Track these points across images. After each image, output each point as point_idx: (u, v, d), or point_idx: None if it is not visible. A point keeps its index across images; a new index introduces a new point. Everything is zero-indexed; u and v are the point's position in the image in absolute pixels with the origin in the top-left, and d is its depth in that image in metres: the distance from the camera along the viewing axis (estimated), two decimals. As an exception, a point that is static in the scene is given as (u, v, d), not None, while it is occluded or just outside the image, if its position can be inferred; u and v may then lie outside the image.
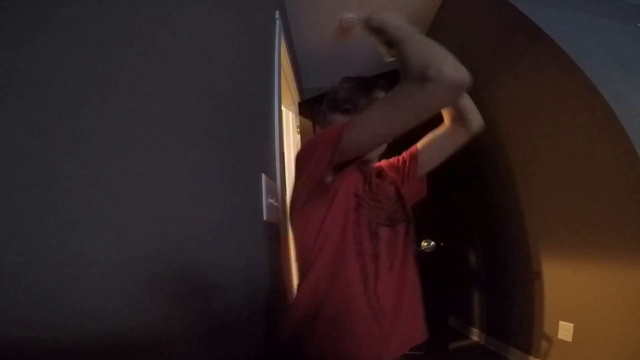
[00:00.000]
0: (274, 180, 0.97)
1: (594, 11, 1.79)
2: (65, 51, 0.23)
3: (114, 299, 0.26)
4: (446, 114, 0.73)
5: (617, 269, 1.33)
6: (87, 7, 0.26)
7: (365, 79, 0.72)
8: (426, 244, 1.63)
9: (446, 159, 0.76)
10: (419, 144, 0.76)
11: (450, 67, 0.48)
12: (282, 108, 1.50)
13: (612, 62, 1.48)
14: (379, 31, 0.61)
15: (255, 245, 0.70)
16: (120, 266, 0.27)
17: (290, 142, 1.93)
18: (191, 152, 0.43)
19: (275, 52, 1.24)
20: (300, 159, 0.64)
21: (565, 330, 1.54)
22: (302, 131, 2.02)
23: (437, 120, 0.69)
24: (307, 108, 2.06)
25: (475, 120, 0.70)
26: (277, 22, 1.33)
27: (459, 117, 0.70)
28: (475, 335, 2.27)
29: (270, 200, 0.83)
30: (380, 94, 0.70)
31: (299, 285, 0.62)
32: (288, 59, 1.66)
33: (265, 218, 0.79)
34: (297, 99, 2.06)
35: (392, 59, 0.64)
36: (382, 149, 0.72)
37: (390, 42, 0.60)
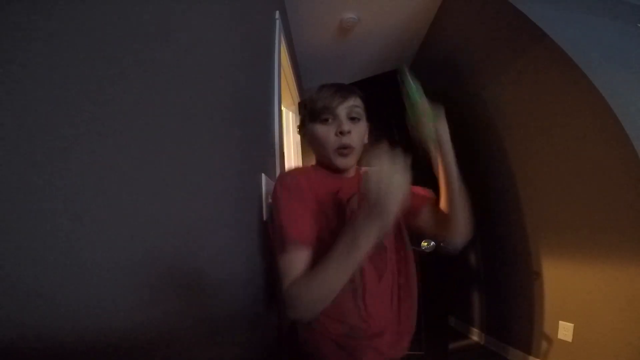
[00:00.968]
0: (274, 180, 0.97)
1: (594, 11, 1.79)
2: (66, 51, 0.23)
3: (113, 299, 0.26)
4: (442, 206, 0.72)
5: (617, 269, 1.33)
6: (88, 7, 0.26)
7: (342, 85, 0.71)
8: (426, 244, 1.63)
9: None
10: (429, 203, 0.75)
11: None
12: (282, 108, 1.50)
13: (612, 62, 1.48)
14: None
15: (254, 245, 0.70)
16: (120, 266, 0.27)
17: (290, 142, 1.93)
18: (191, 152, 0.43)
19: (275, 52, 1.24)
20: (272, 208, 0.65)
21: (565, 330, 1.54)
22: (302, 131, 2.01)
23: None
24: (307, 108, 2.06)
25: (458, 236, 0.70)
26: (277, 22, 1.33)
27: (448, 221, 0.70)
28: (475, 335, 2.27)
29: (270, 200, 0.83)
30: (357, 100, 0.70)
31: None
32: (288, 59, 1.66)
33: (265, 218, 0.79)
34: (297, 99, 2.07)
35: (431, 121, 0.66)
36: (354, 161, 0.71)
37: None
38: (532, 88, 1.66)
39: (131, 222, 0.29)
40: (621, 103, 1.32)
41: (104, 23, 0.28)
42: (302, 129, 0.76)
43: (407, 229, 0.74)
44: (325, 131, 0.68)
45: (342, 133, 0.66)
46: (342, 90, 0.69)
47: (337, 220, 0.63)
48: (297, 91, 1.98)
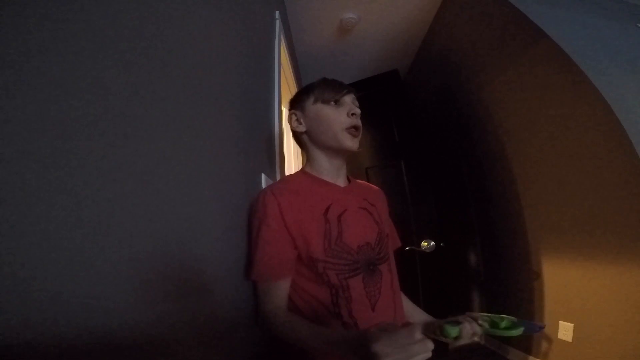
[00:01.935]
0: (274, 180, 0.97)
1: (594, 11, 1.79)
2: (66, 51, 0.23)
3: (113, 299, 0.26)
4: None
5: (618, 269, 1.33)
6: (88, 7, 0.26)
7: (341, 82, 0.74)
8: (426, 244, 1.63)
9: None
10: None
11: None
12: (282, 108, 1.50)
13: (612, 62, 1.49)
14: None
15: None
16: (120, 266, 0.27)
17: (291, 142, 1.93)
18: (190, 152, 0.43)
19: (275, 52, 1.24)
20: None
21: (565, 330, 1.54)
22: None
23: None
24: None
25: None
26: (277, 22, 1.33)
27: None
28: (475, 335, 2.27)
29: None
30: (349, 97, 0.71)
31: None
32: (288, 59, 1.66)
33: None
34: (297, 99, 2.06)
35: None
36: (357, 145, 0.70)
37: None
38: (532, 88, 1.66)
39: (130, 222, 0.29)
40: (621, 103, 1.32)
41: (103, 23, 0.28)
42: (302, 110, 0.72)
43: None
44: (335, 112, 0.68)
45: (354, 114, 0.68)
46: (347, 85, 0.73)
47: (322, 238, 0.61)
48: (297, 91, 1.98)
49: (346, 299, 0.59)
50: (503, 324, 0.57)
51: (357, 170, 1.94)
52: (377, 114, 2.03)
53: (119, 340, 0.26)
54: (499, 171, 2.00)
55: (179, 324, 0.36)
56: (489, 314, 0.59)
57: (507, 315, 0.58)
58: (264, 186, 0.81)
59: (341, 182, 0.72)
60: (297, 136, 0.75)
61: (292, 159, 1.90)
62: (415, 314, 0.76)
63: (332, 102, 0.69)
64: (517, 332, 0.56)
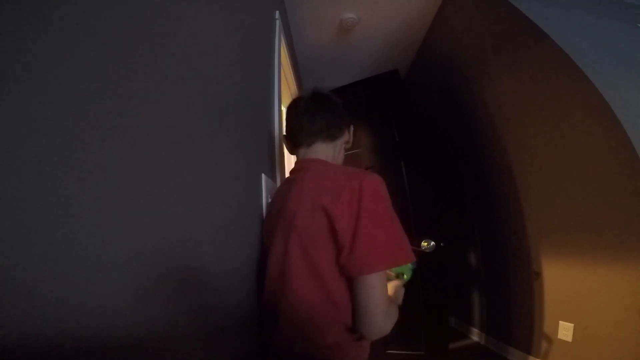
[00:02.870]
0: (274, 180, 0.97)
1: (594, 11, 1.79)
2: (66, 51, 0.23)
3: (112, 299, 0.26)
4: None
5: (617, 269, 1.33)
6: (88, 6, 0.26)
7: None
8: (426, 244, 1.63)
9: None
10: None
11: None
12: (282, 108, 1.50)
13: (612, 62, 1.49)
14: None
15: (254, 245, 0.70)
16: (119, 266, 0.27)
17: (290, 142, 1.93)
18: (191, 152, 0.43)
19: (275, 52, 1.24)
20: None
21: (565, 330, 1.54)
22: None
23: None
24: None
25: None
26: (277, 22, 1.33)
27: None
28: (475, 335, 2.27)
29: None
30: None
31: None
32: (288, 59, 1.66)
33: (265, 218, 0.79)
34: (297, 99, 2.06)
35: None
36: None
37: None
38: (532, 88, 1.66)
39: (131, 222, 0.29)
40: (621, 103, 1.32)
41: (103, 22, 0.28)
42: (350, 134, 0.83)
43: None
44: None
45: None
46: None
47: None
48: (297, 91, 1.98)
49: None
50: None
51: (357, 170, 1.94)
52: (378, 114, 2.03)
53: (118, 340, 0.26)
54: (498, 171, 2.00)
55: (179, 324, 0.36)
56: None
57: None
58: (263, 186, 0.81)
59: None
60: (340, 139, 0.80)
61: (292, 159, 1.89)
62: None
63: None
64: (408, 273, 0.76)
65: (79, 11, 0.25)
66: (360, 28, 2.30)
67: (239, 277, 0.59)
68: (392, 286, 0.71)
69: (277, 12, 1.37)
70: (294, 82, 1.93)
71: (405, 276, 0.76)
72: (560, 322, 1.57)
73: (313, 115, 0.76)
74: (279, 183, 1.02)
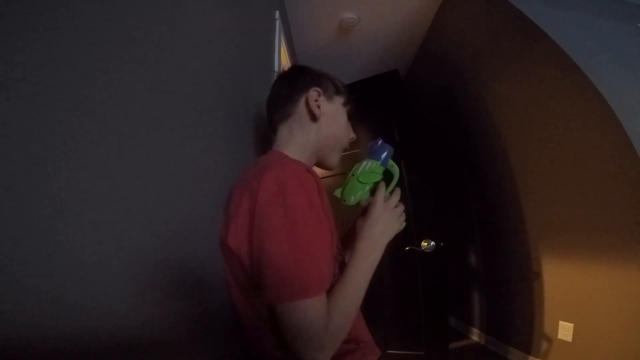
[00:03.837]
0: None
1: (594, 11, 1.79)
2: (65, 51, 0.23)
3: (112, 299, 0.26)
4: None
5: (618, 268, 1.33)
6: (88, 6, 0.26)
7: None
8: (426, 244, 1.63)
9: None
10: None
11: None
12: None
13: (612, 62, 1.48)
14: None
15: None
16: (119, 266, 0.27)
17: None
18: (190, 152, 0.43)
19: (276, 52, 1.24)
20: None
21: (565, 330, 1.54)
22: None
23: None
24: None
25: None
26: (277, 22, 1.33)
27: None
28: (475, 335, 2.27)
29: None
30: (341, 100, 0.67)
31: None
32: (288, 59, 1.66)
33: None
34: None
35: (353, 201, 0.57)
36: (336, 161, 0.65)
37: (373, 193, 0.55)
38: (531, 88, 1.66)
39: (130, 222, 0.29)
40: (621, 103, 1.32)
41: (103, 22, 0.28)
42: (329, 99, 0.63)
43: None
44: (348, 127, 0.66)
45: (351, 138, 0.67)
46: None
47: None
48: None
49: None
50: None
51: (357, 170, 1.94)
52: (377, 114, 2.03)
53: (117, 340, 0.26)
54: (499, 171, 1.99)
55: (178, 324, 0.36)
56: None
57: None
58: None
59: None
60: (298, 114, 0.62)
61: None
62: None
63: (348, 110, 0.67)
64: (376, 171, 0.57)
65: (79, 11, 0.25)
66: (360, 28, 2.30)
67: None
68: (373, 217, 0.52)
69: (277, 12, 1.37)
70: (294, 82, 1.93)
71: (393, 179, 0.56)
72: (560, 322, 1.57)
73: (271, 98, 0.66)
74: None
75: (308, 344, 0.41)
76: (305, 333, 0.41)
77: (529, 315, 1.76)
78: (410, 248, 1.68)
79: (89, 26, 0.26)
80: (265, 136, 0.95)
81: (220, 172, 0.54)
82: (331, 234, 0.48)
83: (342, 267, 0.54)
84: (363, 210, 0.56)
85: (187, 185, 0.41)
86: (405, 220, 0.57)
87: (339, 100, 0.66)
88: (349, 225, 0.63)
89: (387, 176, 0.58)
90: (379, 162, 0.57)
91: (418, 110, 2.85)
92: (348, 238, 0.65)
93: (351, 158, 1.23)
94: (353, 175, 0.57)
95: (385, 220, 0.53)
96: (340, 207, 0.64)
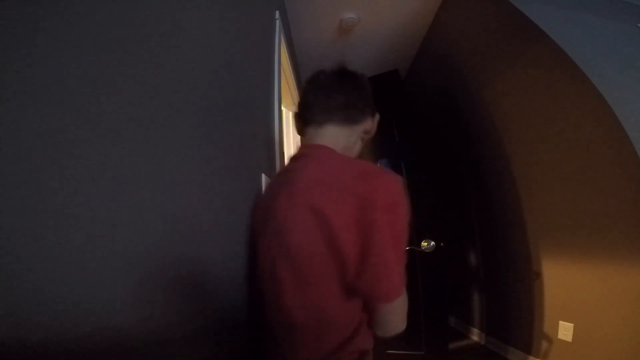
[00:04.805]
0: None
1: (594, 11, 1.79)
2: (65, 51, 0.23)
3: (112, 299, 0.26)
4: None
5: (617, 269, 1.33)
6: (87, 6, 0.26)
7: None
8: (426, 244, 1.63)
9: None
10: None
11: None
12: (282, 108, 1.50)
13: (612, 62, 1.49)
14: None
15: (253, 245, 0.70)
16: (119, 266, 0.27)
17: (290, 142, 1.93)
18: (191, 152, 0.43)
19: (275, 52, 1.24)
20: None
21: (565, 330, 1.54)
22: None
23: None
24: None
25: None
26: (277, 22, 1.33)
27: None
28: (475, 335, 2.27)
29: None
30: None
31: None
32: (288, 59, 1.66)
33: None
34: (297, 99, 2.06)
35: None
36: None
37: None
38: (531, 88, 1.66)
39: (130, 222, 0.29)
40: (621, 103, 1.32)
41: (103, 23, 0.28)
42: (373, 120, 0.68)
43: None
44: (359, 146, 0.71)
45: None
46: None
47: None
48: (297, 91, 1.98)
49: None
50: None
51: (357, 170, 1.94)
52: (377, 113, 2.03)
53: (117, 341, 0.26)
54: (499, 171, 2.00)
55: (179, 324, 0.36)
56: None
57: None
58: (264, 186, 0.81)
59: None
60: (356, 127, 0.67)
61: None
62: None
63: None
64: None
65: (79, 11, 0.25)
66: (360, 28, 2.30)
67: (239, 278, 0.59)
68: None
69: (277, 12, 1.37)
70: (294, 82, 1.93)
71: None
72: (560, 322, 1.57)
73: (332, 90, 0.64)
74: (279, 183, 1.02)
75: (403, 325, 0.55)
76: (403, 318, 0.55)
77: (529, 315, 1.77)
78: (410, 248, 1.68)
79: (89, 26, 0.26)
80: (265, 136, 0.95)
81: (220, 172, 0.54)
82: None
83: None
84: None
85: (188, 185, 0.41)
86: None
87: (370, 121, 0.71)
88: None
89: None
90: None
91: (418, 110, 2.85)
92: None
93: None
94: None
95: None
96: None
